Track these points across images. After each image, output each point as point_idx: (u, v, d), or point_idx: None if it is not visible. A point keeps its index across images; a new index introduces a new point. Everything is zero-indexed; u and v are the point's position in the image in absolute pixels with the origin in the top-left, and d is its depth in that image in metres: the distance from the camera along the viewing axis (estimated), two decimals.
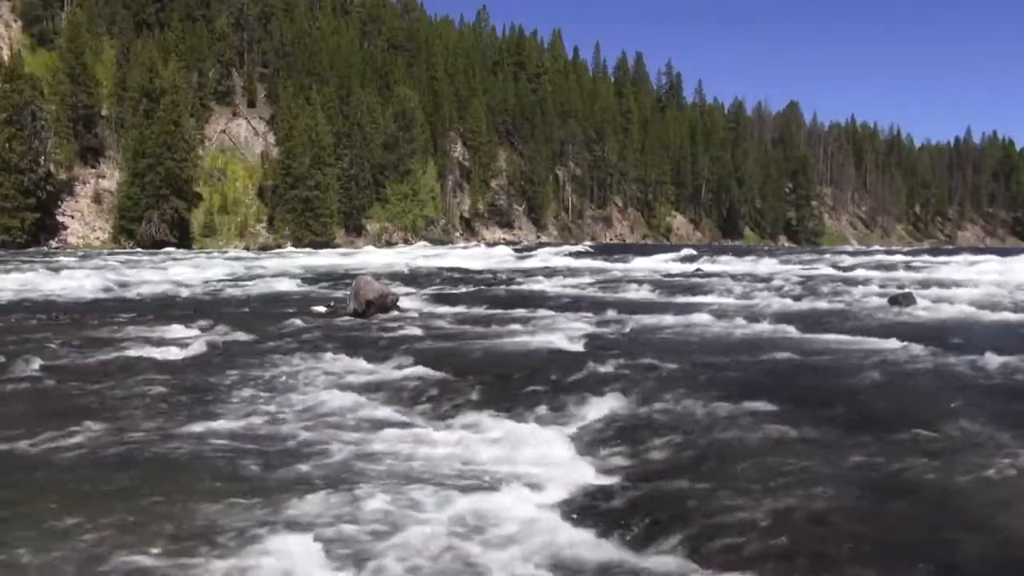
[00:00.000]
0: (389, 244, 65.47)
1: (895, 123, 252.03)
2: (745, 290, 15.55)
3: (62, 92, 59.06)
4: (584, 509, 4.02)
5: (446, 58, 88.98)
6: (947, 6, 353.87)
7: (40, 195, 53.80)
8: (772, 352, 7.89)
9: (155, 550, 3.45)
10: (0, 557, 3.38)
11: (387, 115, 72.66)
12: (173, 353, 8.50)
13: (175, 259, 34.69)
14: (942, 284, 16.42)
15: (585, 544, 3.62)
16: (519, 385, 6.67)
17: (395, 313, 11.81)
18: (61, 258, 34.58)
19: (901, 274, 20.34)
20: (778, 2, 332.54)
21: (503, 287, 18.27)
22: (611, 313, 11.72)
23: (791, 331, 9.54)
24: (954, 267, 22.44)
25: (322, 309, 12.97)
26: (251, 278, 21.78)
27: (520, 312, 12.23)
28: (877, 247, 74.92)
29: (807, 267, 24.60)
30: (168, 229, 56.14)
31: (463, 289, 17.60)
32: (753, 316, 11.05)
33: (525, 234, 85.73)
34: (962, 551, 3.40)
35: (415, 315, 11.86)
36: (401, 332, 9.96)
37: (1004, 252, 29.81)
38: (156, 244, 54.00)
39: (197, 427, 5.45)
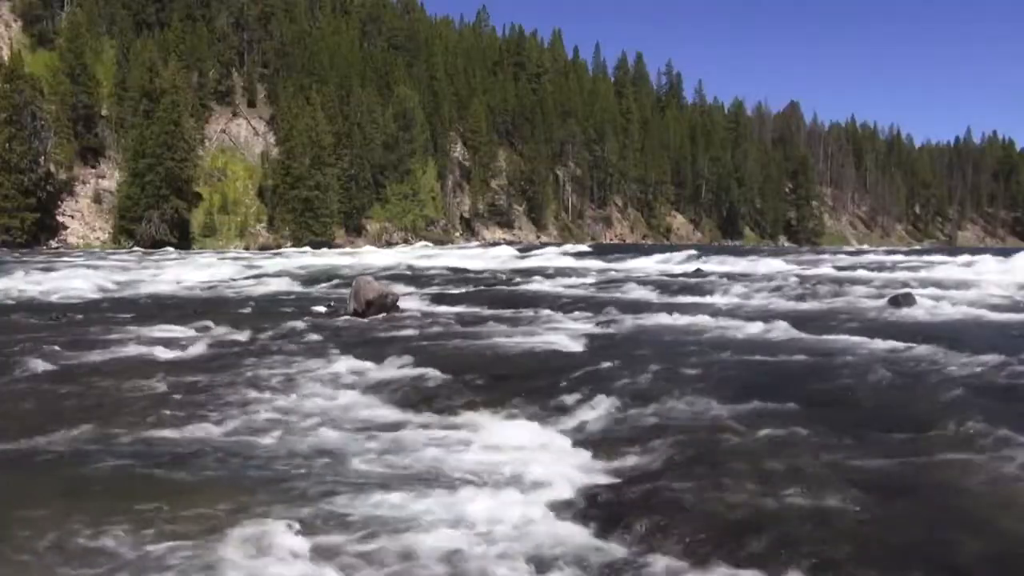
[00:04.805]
0: (389, 244, 65.42)
1: (895, 123, 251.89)
2: (745, 290, 15.53)
3: (62, 92, 59.08)
4: (584, 508, 4.02)
5: (446, 58, 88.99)
6: (947, 6, 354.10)
7: (40, 195, 53.82)
8: (771, 352, 7.89)
9: (154, 549, 3.45)
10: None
11: (387, 115, 72.66)
12: (173, 353, 8.51)
13: (175, 259, 34.69)
14: (942, 284, 16.39)
15: (585, 544, 3.62)
16: (519, 385, 6.67)
17: (395, 313, 11.81)
18: (61, 258, 34.58)
19: (901, 274, 20.29)
20: (778, 2, 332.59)
21: (503, 287, 18.27)
22: (611, 313, 11.71)
23: (791, 331, 9.53)
24: (954, 267, 22.38)
25: (322, 309, 12.97)
26: (251, 278, 21.77)
27: (520, 312, 12.23)
28: (871, 247, 74.85)
29: (807, 267, 24.55)
30: (168, 229, 56.13)
31: (463, 289, 17.58)
32: (753, 316, 11.04)
33: (525, 234, 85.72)
34: (962, 551, 3.40)
35: (415, 315, 11.86)
36: (401, 332, 9.96)
37: (1004, 252, 29.78)
38: (156, 244, 54.00)
39: (196, 427, 5.45)
